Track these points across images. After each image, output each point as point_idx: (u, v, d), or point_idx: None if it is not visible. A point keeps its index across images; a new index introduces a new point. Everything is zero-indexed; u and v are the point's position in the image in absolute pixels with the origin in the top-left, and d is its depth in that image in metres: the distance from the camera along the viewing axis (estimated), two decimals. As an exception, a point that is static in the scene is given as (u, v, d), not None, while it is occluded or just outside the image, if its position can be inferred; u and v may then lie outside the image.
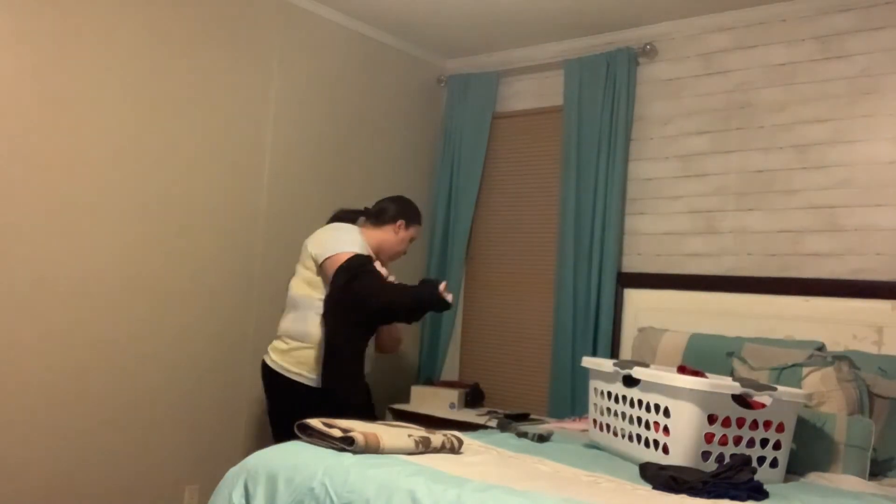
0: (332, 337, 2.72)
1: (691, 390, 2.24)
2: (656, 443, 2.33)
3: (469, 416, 3.72)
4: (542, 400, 3.90)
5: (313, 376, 2.80)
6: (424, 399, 3.95)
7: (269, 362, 2.87)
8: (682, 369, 2.67)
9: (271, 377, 2.86)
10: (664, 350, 3.17)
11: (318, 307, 2.79)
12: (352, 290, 2.66)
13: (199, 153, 3.28)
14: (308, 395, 2.79)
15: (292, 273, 3.01)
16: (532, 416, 3.66)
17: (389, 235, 3.01)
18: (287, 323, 2.89)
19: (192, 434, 3.28)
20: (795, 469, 2.48)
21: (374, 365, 3.01)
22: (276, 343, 2.89)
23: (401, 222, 3.02)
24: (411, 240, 3.08)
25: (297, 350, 2.82)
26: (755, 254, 3.38)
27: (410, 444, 2.19)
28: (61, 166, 2.85)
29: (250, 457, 2.21)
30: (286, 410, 2.73)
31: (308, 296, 2.84)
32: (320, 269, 2.83)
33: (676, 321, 3.40)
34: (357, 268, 2.69)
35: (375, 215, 3.06)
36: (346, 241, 2.82)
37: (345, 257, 2.73)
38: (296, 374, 2.81)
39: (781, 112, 3.36)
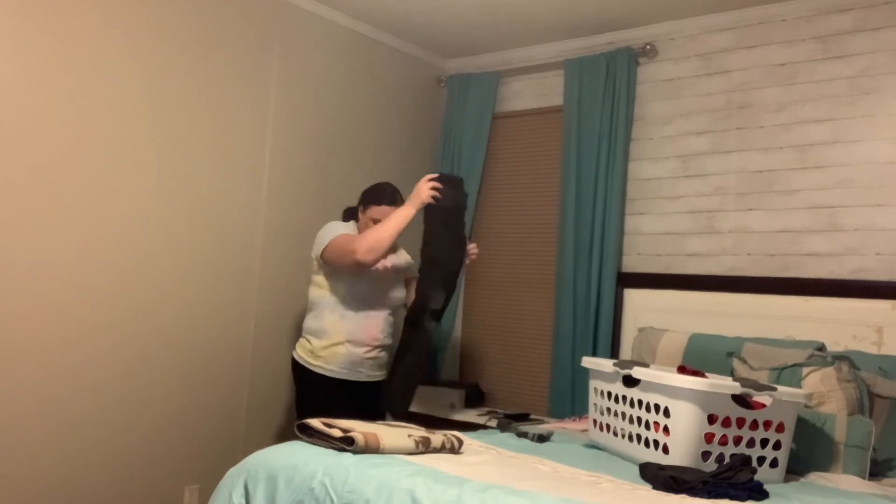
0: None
1: (691, 390, 2.24)
2: (656, 443, 2.33)
3: (469, 416, 3.72)
4: (542, 400, 3.90)
5: (331, 367, 3.02)
6: (424, 399, 3.95)
7: (295, 356, 3.12)
8: (682, 369, 2.67)
9: (295, 369, 3.12)
10: (664, 350, 3.17)
11: (329, 304, 3.05)
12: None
13: (198, 153, 3.28)
14: (327, 385, 3.02)
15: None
16: (532, 416, 3.66)
17: (362, 221, 3.15)
18: (307, 321, 3.13)
19: (192, 434, 3.28)
20: (795, 469, 2.48)
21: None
22: (301, 340, 3.13)
23: (362, 207, 3.17)
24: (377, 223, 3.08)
25: (316, 344, 3.04)
26: (755, 254, 3.38)
27: (410, 444, 2.20)
28: (60, 164, 2.85)
29: (250, 457, 2.21)
30: (309, 400, 3.04)
31: (320, 296, 3.08)
32: (323, 262, 3.04)
33: (676, 321, 3.40)
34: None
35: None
36: (333, 230, 3.03)
37: (340, 238, 2.96)
38: (316, 366, 3.03)
39: (781, 112, 3.37)
